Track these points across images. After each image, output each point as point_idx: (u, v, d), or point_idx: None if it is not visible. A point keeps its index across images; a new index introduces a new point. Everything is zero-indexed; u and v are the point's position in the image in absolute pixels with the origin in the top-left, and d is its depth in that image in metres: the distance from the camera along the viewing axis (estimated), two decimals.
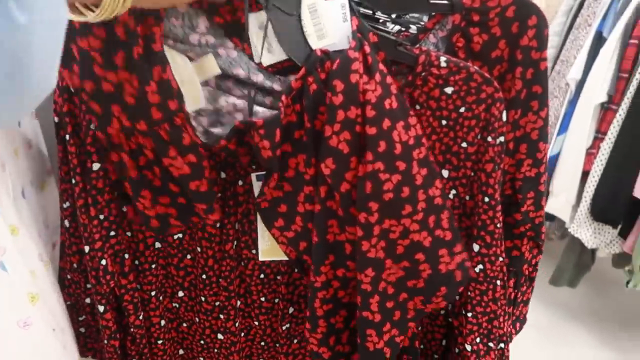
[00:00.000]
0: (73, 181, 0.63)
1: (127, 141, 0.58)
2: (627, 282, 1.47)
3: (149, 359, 0.74)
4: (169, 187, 0.61)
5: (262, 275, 0.70)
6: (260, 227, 0.67)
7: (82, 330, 0.77)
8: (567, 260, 1.58)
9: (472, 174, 0.65)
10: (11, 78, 0.29)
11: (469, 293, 0.69)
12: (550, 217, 1.57)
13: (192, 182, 0.60)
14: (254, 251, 0.68)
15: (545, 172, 0.69)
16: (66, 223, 0.68)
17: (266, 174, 0.61)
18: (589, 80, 1.42)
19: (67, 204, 0.67)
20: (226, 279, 0.69)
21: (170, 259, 0.70)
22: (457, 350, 0.73)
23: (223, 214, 0.66)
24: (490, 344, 0.71)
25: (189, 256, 0.70)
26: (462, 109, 0.62)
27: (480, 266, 0.68)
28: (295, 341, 0.76)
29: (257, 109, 0.61)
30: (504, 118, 0.63)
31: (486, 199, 0.65)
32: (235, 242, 0.68)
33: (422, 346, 0.77)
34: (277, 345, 0.76)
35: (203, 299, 0.71)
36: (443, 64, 0.59)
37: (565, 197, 1.48)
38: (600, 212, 1.41)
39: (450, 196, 0.67)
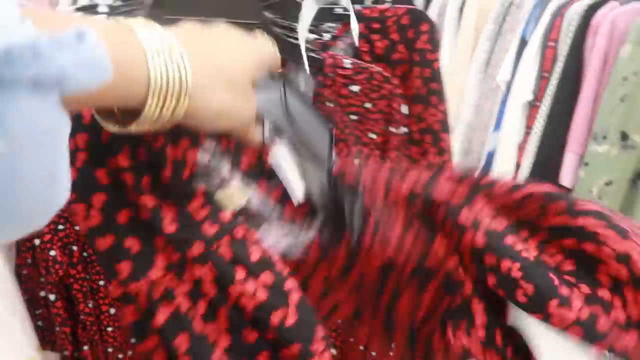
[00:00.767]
0: None
1: None
2: None
3: (99, 345, 0.80)
4: None
5: None
6: None
7: (40, 323, 0.83)
8: None
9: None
10: None
11: None
12: None
13: None
14: None
15: (450, 160, 0.79)
16: None
17: None
18: (516, 81, 1.55)
19: None
20: None
21: None
22: None
23: None
24: None
25: None
26: (367, 105, 0.71)
27: None
28: None
29: None
30: (405, 111, 0.72)
31: None
32: None
33: None
34: None
35: None
36: (348, 65, 0.68)
37: None
38: None
39: None
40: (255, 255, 0.44)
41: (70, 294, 0.76)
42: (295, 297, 0.44)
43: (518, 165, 1.58)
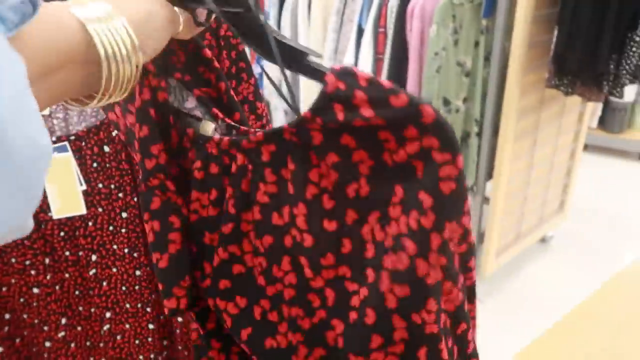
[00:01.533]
0: None
1: None
2: None
3: None
4: None
5: (62, 233, 0.89)
6: (49, 188, 0.86)
7: None
8: None
9: None
10: None
11: None
12: None
13: None
14: (49, 213, 0.87)
15: (268, 124, 0.97)
16: None
17: None
18: (359, 64, 1.78)
19: None
20: (29, 239, 0.87)
21: None
22: None
23: None
24: None
25: None
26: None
27: None
28: (104, 284, 0.95)
29: None
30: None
31: None
32: None
33: None
34: (90, 291, 0.95)
35: (14, 260, 0.88)
36: None
37: None
38: None
39: None
40: None
41: None
42: None
43: None
